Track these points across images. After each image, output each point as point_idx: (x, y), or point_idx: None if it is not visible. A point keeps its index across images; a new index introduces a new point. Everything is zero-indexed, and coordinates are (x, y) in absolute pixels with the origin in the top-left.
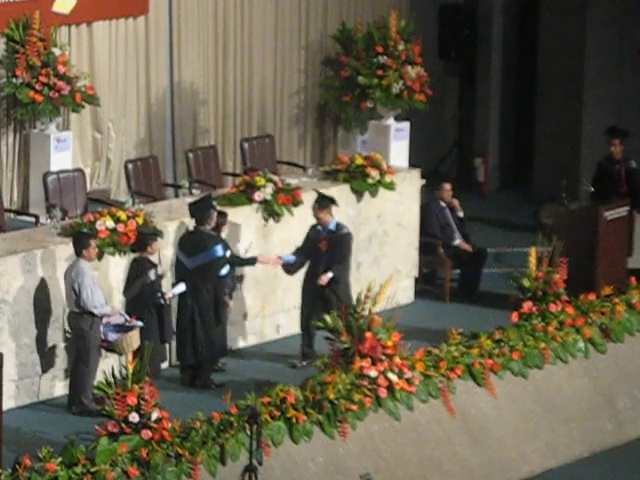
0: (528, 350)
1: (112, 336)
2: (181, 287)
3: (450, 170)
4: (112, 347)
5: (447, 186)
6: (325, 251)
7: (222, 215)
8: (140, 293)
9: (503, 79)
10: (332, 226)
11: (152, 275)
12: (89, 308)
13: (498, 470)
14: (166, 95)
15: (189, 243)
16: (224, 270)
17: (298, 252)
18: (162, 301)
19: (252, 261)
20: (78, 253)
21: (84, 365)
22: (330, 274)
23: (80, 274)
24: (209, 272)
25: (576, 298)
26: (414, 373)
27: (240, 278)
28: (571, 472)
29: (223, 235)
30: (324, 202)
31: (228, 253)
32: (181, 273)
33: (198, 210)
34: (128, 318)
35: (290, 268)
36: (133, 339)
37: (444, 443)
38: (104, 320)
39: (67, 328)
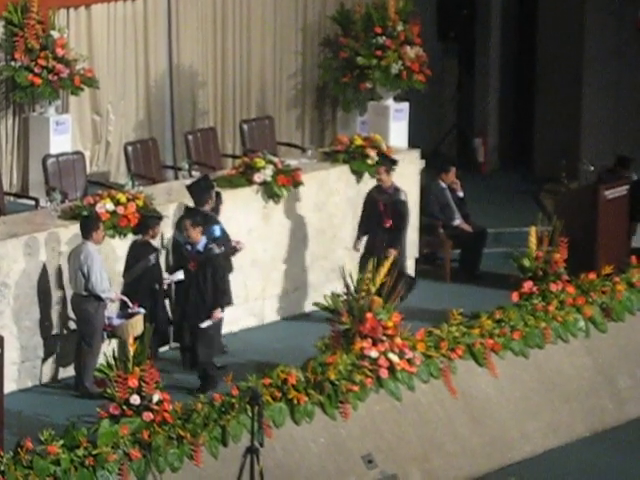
0: (529, 330)
1: (116, 321)
2: (179, 275)
3: (450, 150)
4: (116, 332)
5: (453, 168)
6: (195, 273)
7: (217, 196)
8: (141, 276)
9: (502, 59)
10: (200, 246)
11: (152, 259)
12: (97, 292)
13: (499, 450)
14: (165, 77)
15: None
16: (217, 250)
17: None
18: (157, 286)
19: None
20: (86, 236)
21: (88, 347)
22: (220, 314)
23: (89, 257)
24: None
25: (576, 277)
26: (415, 353)
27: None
28: (572, 451)
29: (220, 215)
30: (199, 220)
31: (223, 235)
32: (180, 255)
33: (197, 191)
34: (131, 304)
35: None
36: (137, 324)
37: (445, 423)
38: (109, 309)
39: (69, 311)
